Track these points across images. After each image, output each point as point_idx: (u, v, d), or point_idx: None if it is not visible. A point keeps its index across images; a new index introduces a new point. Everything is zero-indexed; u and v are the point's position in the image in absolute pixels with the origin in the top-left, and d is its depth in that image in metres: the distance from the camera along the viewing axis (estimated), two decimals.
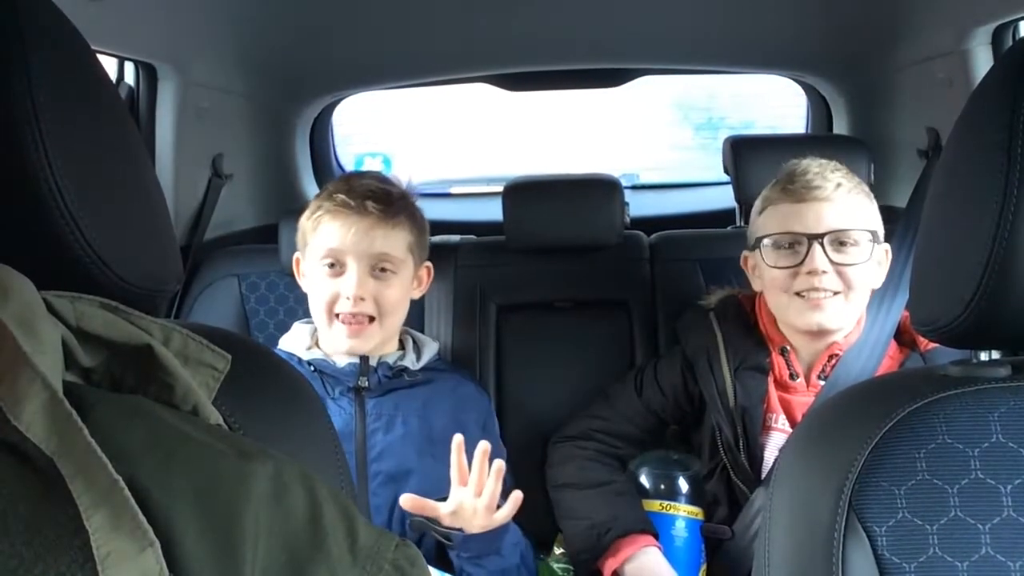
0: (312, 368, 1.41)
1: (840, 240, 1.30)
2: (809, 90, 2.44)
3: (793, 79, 2.42)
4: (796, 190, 1.33)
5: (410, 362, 1.45)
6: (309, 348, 1.45)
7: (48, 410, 0.43)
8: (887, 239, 1.42)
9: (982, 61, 1.57)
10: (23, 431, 0.42)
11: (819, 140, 2.20)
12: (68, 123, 0.54)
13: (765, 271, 1.36)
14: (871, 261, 1.31)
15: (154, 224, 0.63)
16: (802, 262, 1.30)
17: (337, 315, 1.38)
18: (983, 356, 0.76)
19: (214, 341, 0.57)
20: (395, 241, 1.40)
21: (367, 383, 1.39)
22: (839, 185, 1.31)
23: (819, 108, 2.43)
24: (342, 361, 1.41)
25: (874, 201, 1.37)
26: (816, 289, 1.29)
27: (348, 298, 1.36)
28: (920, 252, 0.78)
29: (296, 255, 1.50)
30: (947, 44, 1.62)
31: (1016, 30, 1.55)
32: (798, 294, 1.31)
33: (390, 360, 1.43)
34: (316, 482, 0.50)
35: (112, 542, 0.40)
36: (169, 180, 1.78)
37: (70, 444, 0.42)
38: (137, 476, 0.43)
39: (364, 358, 1.41)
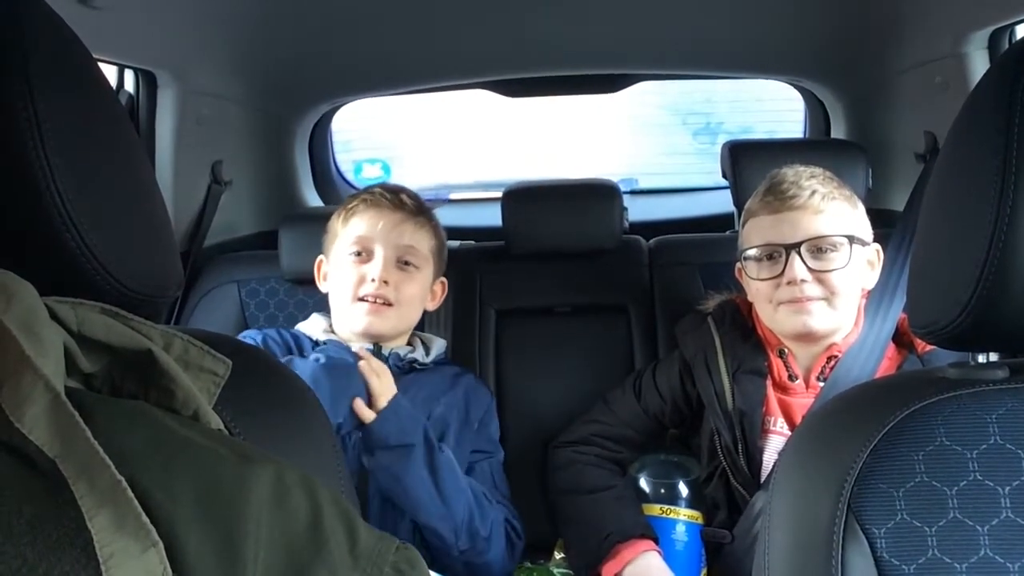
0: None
1: (818, 247, 1.31)
2: (807, 94, 2.45)
3: (790, 84, 2.42)
4: (772, 201, 1.35)
5: (420, 356, 1.47)
6: (325, 331, 1.47)
7: (51, 413, 0.43)
8: (885, 242, 1.42)
9: (979, 65, 1.58)
10: (26, 433, 0.43)
11: (817, 144, 2.20)
12: (69, 129, 0.54)
13: (751, 283, 1.39)
14: (853, 264, 1.31)
15: (155, 230, 0.63)
16: (782, 272, 1.31)
17: (360, 298, 1.40)
18: (981, 358, 0.76)
19: (214, 347, 0.57)
20: (421, 238, 1.46)
21: None
22: (814, 192, 1.32)
23: (816, 112, 2.43)
24: (355, 346, 1.42)
25: (857, 203, 1.38)
26: (798, 299, 1.31)
27: (373, 280, 1.40)
28: (917, 255, 0.78)
29: (319, 258, 1.53)
30: (944, 48, 1.63)
31: (1013, 34, 1.56)
32: (783, 303, 1.33)
33: (401, 352, 1.45)
34: (317, 485, 0.50)
35: (115, 542, 0.41)
36: (169, 187, 1.79)
37: (73, 446, 0.42)
38: (139, 479, 0.43)
39: (377, 347, 1.42)
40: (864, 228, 1.37)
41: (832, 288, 1.31)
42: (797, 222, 1.31)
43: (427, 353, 1.50)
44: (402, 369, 1.43)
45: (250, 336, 1.48)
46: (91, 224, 0.54)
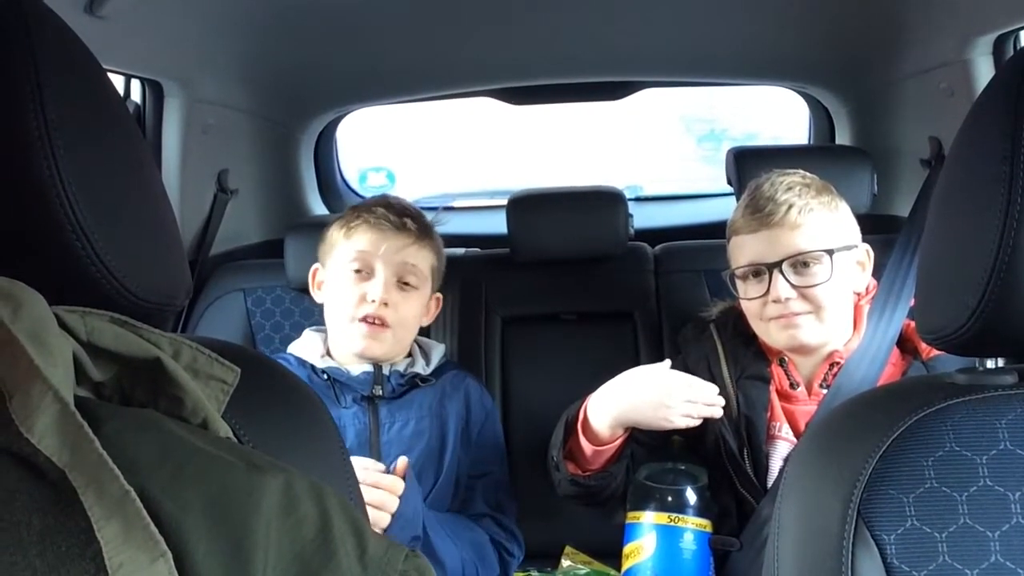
0: (326, 377, 1.42)
1: (800, 262, 1.31)
2: (811, 101, 2.45)
3: (795, 90, 2.42)
4: (751, 220, 1.35)
5: (420, 368, 1.47)
6: (323, 356, 1.46)
7: (60, 422, 0.43)
8: (889, 248, 1.42)
9: (984, 70, 1.58)
10: (35, 443, 0.43)
11: (821, 151, 2.20)
12: (79, 138, 0.54)
13: (741, 301, 1.39)
14: (837, 276, 1.31)
15: (164, 238, 0.63)
16: (767, 291, 1.32)
17: (359, 319, 1.40)
18: (989, 363, 0.76)
19: (223, 355, 0.57)
20: (423, 258, 1.46)
21: (381, 392, 1.41)
22: (790, 207, 1.31)
23: (821, 119, 2.43)
24: (356, 370, 1.42)
25: (839, 206, 1.37)
26: (785, 316, 1.32)
27: (373, 301, 1.39)
28: (924, 261, 0.78)
29: (314, 266, 1.51)
30: (949, 54, 1.63)
31: (1017, 39, 1.56)
32: (772, 319, 1.34)
33: (401, 368, 1.45)
34: (326, 493, 0.50)
35: (124, 552, 0.41)
36: (175, 196, 1.79)
37: (82, 456, 0.43)
38: (148, 489, 0.43)
39: (377, 367, 1.42)
40: (848, 230, 1.37)
41: (817, 302, 1.31)
42: (776, 240, 1.32)
43: (427, 362, 1.49)
44: (404, 386, 1.44)
45: None
46: (101, 233, 0.54)
